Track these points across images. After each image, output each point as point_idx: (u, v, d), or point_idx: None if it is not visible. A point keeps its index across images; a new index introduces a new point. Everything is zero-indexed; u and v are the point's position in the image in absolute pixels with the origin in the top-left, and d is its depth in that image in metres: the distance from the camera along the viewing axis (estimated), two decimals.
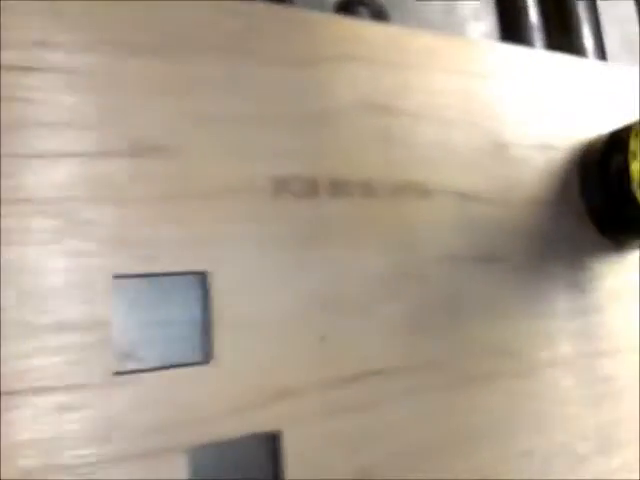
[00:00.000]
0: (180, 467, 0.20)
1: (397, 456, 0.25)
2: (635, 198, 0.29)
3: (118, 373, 0.20)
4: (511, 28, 0.37)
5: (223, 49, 0.23)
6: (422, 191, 0.28)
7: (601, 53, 0.40)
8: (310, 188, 0.24)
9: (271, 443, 0.22)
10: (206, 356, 0.22)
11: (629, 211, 0.30)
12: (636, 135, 0.29)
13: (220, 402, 0.21)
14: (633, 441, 0.31)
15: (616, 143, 0.31)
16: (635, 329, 0.33)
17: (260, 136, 0.23)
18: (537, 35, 0.37)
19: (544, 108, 0.32)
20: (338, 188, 0.25)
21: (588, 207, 0.31)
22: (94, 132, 0.20)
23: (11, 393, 0.19)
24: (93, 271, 0.20)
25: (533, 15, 0.37)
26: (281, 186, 0.23)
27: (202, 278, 0.22)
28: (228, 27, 0.24)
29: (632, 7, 0.44)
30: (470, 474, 0.26)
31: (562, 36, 0.38)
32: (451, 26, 0.35)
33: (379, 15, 0.31)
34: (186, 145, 0.22)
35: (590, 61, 0.39)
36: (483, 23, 0.36)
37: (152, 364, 0.21)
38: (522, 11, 0.37)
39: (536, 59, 0.33)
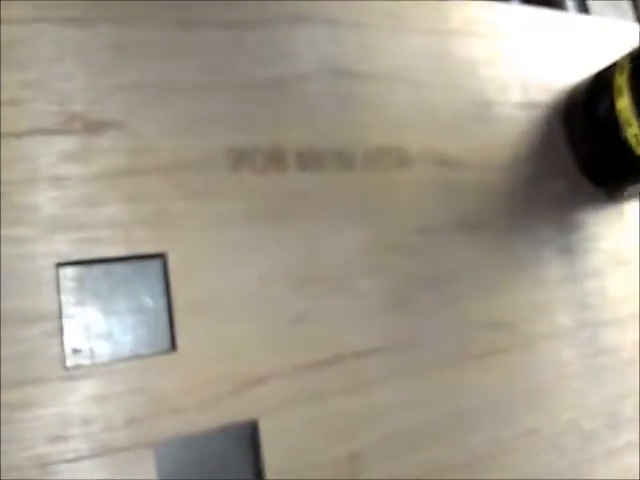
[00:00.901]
0: (147, 463, 0.19)
1: (390, 440, 0.23)
2: (626, 139, 0.27)
3: (71, 367, 0.19)
4: None
5: (170, 14, 0.22)
6: (400, 158, 0.26)
7: (583, 7, 0.38)
8: (275, 161, 0.23)
9: (247, 433, 0.21)
10: (169, 345, 0.20)
11: (620, 154, 0.28)
12: (621, 71, 0.27)
13: (188, 393, 0.20)
14: None
15: (600, 82, 0.29)
16: (638, 294, 0.31)
17: (215, 106, 0.22)
18: None
19: (525, 65, 0.30)
20: (308, 160, 0.24)
21: (577, 157, 0.29)
22: (24, 108, 0.19)
23: None
24: (36, 259, 0.18)
25: None
26: (241, 159, 0.22)
27: (160, 261, 0.20)
28: None
29: None
30: (466, 456, 0.24)
31: None
32: None
33: None
34: (133, 118, 0.20)
35: (571, 15, 0.37)
36: None
37: (109, 356, 0.19)
38: None
39: (513, 14, 0.31)
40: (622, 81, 0.27)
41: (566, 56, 0.32)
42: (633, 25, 0.37)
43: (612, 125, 0.27)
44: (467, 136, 0.27)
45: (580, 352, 0.29)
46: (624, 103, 0.27)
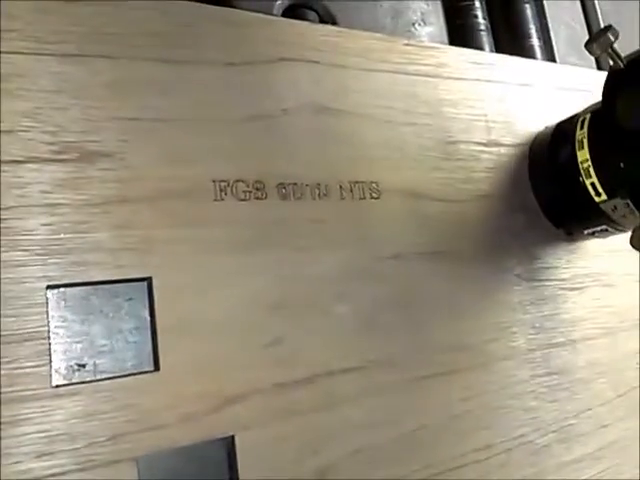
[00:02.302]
0: (131, 477, 0.20)
1: (355, 456, 0.25)
2: (585, 187, 0.29)
3: (58, 386, 0.20)
4: (459, 31, 0.38)
5: (163, 53, 0.23)
6: (372, 190, 0.28)
7: (549, 54, 0.41)
8: (257, 191, 0.24)
9: (224, 448, 0.22)
10: (153, 364, 0.21)
11: (579, 200, 0.30)
12: (581, 126, 0.29)
13: (169, 410, 0.21)
14: (593, 433, 0.32)
15: (562, 133, 0.31)
16: (589, 319, 0.34)
17: (200, 139, 0.23)
18: (486, 38, 0.37)
19: (491, 107, 0.33)
20: (288, 190, 0.25)
21: (540, 199, 0.32)
22: (21, 137, 0.20)
23: None
24: (27, 282, 0.19)
25: (481, 18, 0.38)
26: (224, 189, 0.23)
27: (145, 284, 0.21)
28: (168, 29, 0.24)
29: (579, 8, 0.45)
30: (428, 471, 0.26)
31: (510, 38, 0.39)
32: (399, 30, 0.35)
33: (326, 19, 0.32)
34: (122, 149, 0.22)
35: (538, 62, 0.39)
36: (431, 27, 0.37)
37: (96, 375, 0.20)
38: (470, 14, 0.37)
39: (482, 60, 0.33)
40: (582, 135, 0.29)
41: (530, 100, 0.34)
42: (595, 72, 0.40)
43: (573, 173, 0.30)
44: (434, 171, 0.29)
45: (534, 372, 0.31)
46: (584, 156, 0.29)
